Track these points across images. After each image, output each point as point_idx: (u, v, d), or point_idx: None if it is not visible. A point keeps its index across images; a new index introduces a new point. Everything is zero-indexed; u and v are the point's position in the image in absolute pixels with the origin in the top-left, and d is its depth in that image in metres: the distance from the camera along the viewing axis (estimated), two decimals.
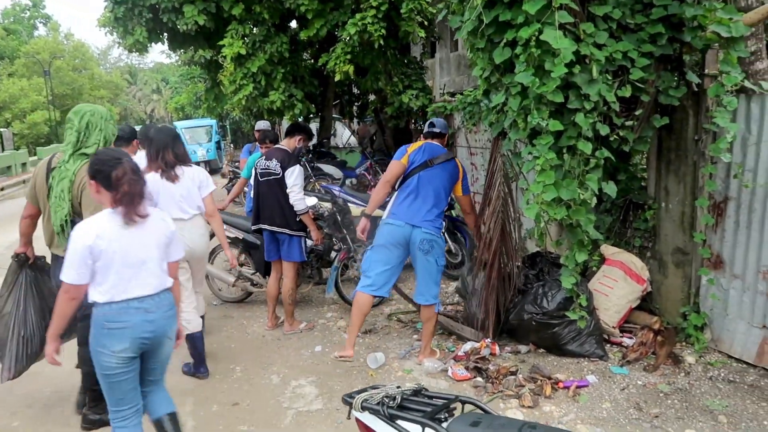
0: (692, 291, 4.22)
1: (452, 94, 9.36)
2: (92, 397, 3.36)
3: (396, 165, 4.22)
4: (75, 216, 3.10)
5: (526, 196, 3.65)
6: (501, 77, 3.71)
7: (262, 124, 8.03)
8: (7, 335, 3.42)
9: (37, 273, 3.56)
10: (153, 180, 3.63)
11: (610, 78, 3.59)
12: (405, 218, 4.07)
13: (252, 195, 5.19)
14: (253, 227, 5.01)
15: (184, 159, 3.95)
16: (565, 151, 3.51)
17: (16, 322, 3.42)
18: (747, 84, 3.68)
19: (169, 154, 3.85)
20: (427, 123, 4.52)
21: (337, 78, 8.62)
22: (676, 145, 4.16)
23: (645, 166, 4.74)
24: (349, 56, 8.30)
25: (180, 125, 20.89)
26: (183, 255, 2.94)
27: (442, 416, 1.97)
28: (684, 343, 4.21)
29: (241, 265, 5.65)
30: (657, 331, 4.20)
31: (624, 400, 3.59)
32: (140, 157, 5.99)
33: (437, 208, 4.11)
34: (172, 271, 2.78)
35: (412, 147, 4.27)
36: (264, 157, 4.95)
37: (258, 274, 5.55)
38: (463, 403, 2.07)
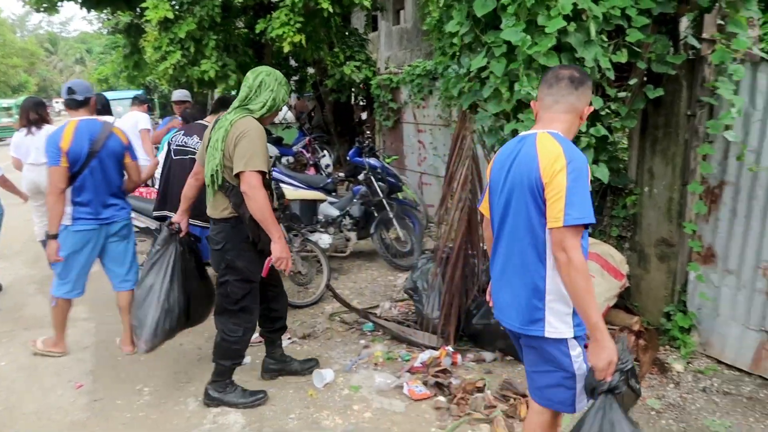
0: (677, 288, 3.73)
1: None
2: (216, 370, 3.27)
3: (55, 171, 3.54)
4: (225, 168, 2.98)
5: None
6: (480, 35, 3.01)
7: (180, 95, 6.62)
8: (148, 308, 3.33)
9: (185, 249, 3.46)
10: None
11: (605, 40, 2.97)
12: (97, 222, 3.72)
13: (161, 176, 4.31)
14: (155, 213, 4.15)
15: None
16: None
17: (159, 296, 3.33)
18: (755, 50, 3.16)
19: None
20: (65, 89, 3.70)
21: (286, 49, 7.72)
22: (665, 122, 3.62)
23: (625, 145, 4.20)
24: (299, 25, 7.44)
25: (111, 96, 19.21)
26: None
27: None
28: (668, 347, 3.73)
29: None
30: (638, 333, 3.69)
31: None
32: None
33: (114, 194, 3.77)
34: None
35: (65, 140, 3.53)
36: (183, 132, 4.07)
37: None
38: None
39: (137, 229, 4.77)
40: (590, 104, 2.14)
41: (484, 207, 2.35)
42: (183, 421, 3.14)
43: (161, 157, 4.25)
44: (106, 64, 29.42)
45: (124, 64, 12.08)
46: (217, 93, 14.72)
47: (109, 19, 13.36)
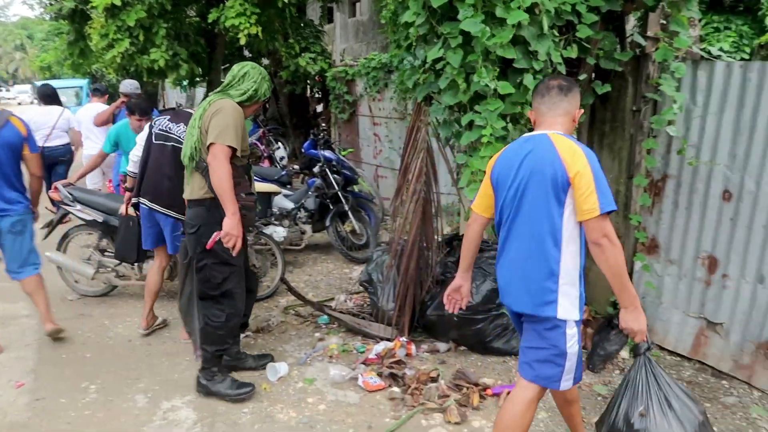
0: None
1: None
2: (203, 357, 3.24)
3: None
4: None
5: (466, 174, 3.03)
6: (436, 26, 3.02)
7: (129, 85, 6.31)
8: (194, 316, 3.30)
9: None
10: None
11: (556, 35, 3.03)
12: None
13: (140, 160, 4.08)
14: (133, 200, 3.99)
15: None
16: (508, 120, 2.93)
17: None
18: (695, 49, 3.28)
19: None
20: None
21: (242, 41, 7.55)
22: (612, 117, 3.72)
23: None
24: (255, 16, 7.29)
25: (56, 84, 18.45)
26: None
27: None
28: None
29: (103, 252, 4.63)
30: (585, 322, 3.79)
31: None
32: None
33: (9, 187, 3.65)
34: None
35: None
36: (169, 117, 3.91)
37: (126, 263, 4.55)
38: None
39: (82, 222, 4.62)
40: (580, 107, 2.35)
41: (477, 205, 2.49)
42: (131, 419, 3.06)
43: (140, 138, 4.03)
44: (48, 51, 28.16)
45: (68, 52, 11.59)
46: (168, 83, 14.33)
47: (51, 4, 12.79)
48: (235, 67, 3.17)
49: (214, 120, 2.96)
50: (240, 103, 3.10)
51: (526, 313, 2.31)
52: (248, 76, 3.12)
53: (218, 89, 3.18)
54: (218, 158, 2.90)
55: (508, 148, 2.39)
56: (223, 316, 3.17)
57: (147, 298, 4.10)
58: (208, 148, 2.96)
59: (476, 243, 2.59)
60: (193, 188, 3.10)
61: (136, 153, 3.98)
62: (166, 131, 3.76)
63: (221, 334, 3.19)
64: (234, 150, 2.97)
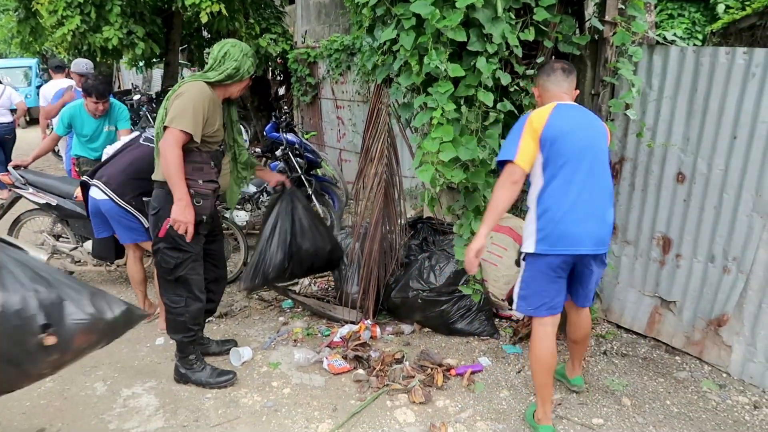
0: None
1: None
2: (177, 346, 3.25)
3: None
4: None
5: (418, 155, 3.03)
6: (391, 7, 3.00)
7: (83, 65, 6.00)
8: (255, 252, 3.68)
9: (296, 205, 3.72)
10: None
11: (513, 18, 3.04)
12: None
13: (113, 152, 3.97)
14: (85, 178, 3.86)
15: None
16: (462, 102, 2.93)
17: (261, 243, 3.69)
18: (651, 33, 3.35)
19: None
20: None
21: (204, 20, 7.34)
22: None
23: None
24: None
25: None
26: None
27: None
28: None
29: (57, 237, 4.49)
30: None
31: (522, 385, 3.20)
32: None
33: None
34: None
35: None
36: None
37: (81, 248, 4.42)
38: None
39: (36, 206, 4.46)
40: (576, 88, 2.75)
41: (526, 162, 2.58)
42: (89, 408, 3.00)
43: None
44: None
45: (17, 29, 11.10)
46: (123, 63, 13.88)
47: None
48: (216, 48, 3.07)
49: (174, 102, 2.88)
50: (220, 84, 3.01)
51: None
52: (228, 55, 3.02)
53: (199, 72, 3.11)
54: (167, 142, 2.81)
55: (561, 108, 2.60)
56: (182, 302, 3.10)
57: (136, 290, 4.04)
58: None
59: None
60: (157, 170, 3.03)
61: (110, 150, 3.96)
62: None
63: (183, 321, 3.13)
64: (190, 135, 2.88)
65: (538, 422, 2.75)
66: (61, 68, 6.80)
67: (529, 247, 2.64)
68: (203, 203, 3.02)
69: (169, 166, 2.82)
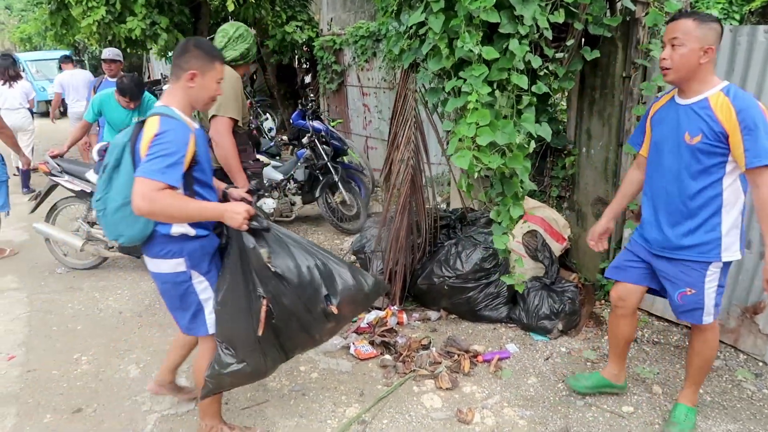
0: (613, 245, 3.87)
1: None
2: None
3: None
4: None
5: (453, 141, 3.00)
6: None
7: (110, 52, 6.15)
8: None
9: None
10: None
11: None
12: None
13: None
14: None
15: None
16: (495, 86, 2.89)
17: None
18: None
19: None
20: None
21: (230, 8, 7.39)
22: (602, 83, 3.70)
23: (564, 107, 4.28)
24: None
25: (24, 57, 18.06)
26: None
27: None
28: (603, 302, 3.89)
29: (92, 224, 4.59)
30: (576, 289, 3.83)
31: (550, 372, 3.17)
32: None
33: None
34: None
35: None
36: None
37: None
38: None
39: (72, 194, 4.57)
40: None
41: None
42: (123, 389, 3.08)
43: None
44: (29, 22, 27.40)
45: (50, 22, 11.31)
46: (153, 54, 14.05)
47: None
48: (228, 27, 3.16)
49: (225, 88, 2.90)
50: (235, 62, 3.11)
51: None
52: (242, 38, 3.17)
53: None
54: (221, 132, 2.88)
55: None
56: None
57: None
58: (209, 120, 2.93)
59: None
60: None
61: None
62: None
63: None
64: (236, 121, 2.94)
65: (695, 406, 2.70)
66: (70, 59, 8.01)
67: (736, 252, 2.40)
68: (258, 182, 3.13)
69: (228, 155, 2.88)
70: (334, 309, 2.30)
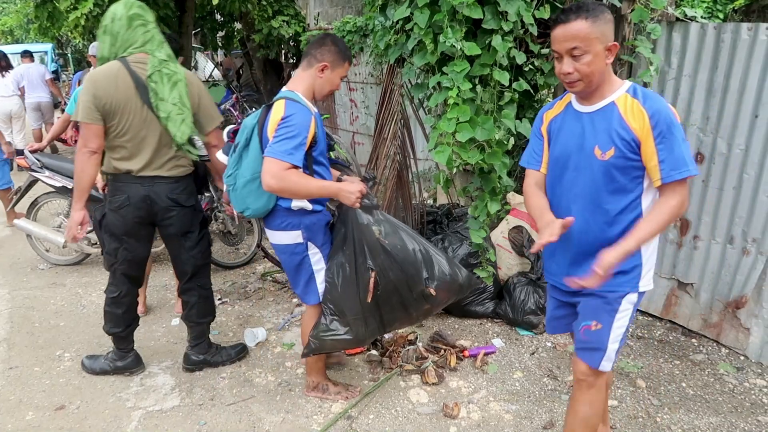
0: None
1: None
2: (191, 334, 3.15)
3: None
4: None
5: (434, 136, 2.99)
6: None
7: (94, 48, 5.91)
8: None
9: None
10: None
11: None
12: None
13: None
14: None
15: None
16: (477, 82, 2.89)
17: None
18: (670, 10, 3.27)
19: None
20: None
21: (215, 2, 7.32)
22: None
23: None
24: None
25: (7, 50, 17.80)
26: None
27: None
28: None
29: None
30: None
31: (536, 367, 3.19)
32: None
33: None
34: None
35: None
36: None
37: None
38: None
39: (53, 189, 4.51)
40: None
41: None
42: (107, 386, 3.05)
43: None
44: (10, 14, 26.93)
45: (35, 14, 11.15)
46: None
47: None
48: (143, 13, 3.09)
49: (208, 99, 2.90)
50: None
51: None
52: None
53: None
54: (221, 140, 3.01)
55: None
56: (209, 284, 3.16)
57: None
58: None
59: None
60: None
61: None
62: None
63: (212, 301, 3.19)
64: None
65: None
66: (29, 54, 8.94)
67: (650, 282, 2.03)
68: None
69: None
70: (432, 291, 2.49)
